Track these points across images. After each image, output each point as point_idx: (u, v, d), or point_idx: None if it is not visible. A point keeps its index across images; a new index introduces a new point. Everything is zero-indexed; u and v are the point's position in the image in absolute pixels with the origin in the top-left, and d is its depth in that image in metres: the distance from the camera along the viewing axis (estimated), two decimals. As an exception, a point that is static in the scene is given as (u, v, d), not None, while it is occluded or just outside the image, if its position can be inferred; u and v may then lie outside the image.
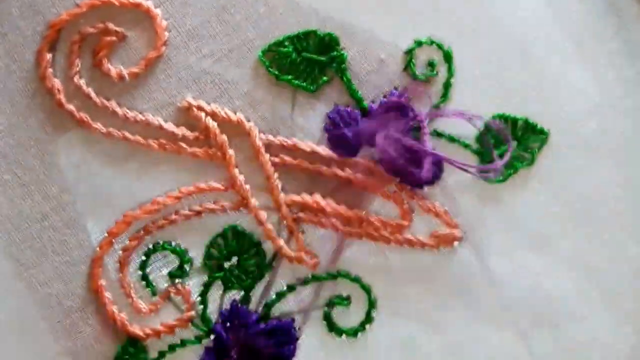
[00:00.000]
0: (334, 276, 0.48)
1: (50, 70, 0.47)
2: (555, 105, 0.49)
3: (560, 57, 0.49)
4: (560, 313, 0.50)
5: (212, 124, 0.47)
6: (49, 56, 0.46)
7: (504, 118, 0.48)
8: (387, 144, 0.46)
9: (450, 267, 0.49)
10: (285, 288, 0.48)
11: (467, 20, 0.48)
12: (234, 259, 0.47)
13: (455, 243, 0.48)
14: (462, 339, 0.49)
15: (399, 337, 0.49)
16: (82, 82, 0.47)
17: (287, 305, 0.48)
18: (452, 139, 0.48)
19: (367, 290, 0.48)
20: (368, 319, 0.48)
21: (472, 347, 0.49)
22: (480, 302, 0.49)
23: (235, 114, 0.47)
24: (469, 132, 0.48)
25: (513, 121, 0.48)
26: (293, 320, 0.47)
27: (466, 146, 0.48)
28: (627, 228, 0.50)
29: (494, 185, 0.48)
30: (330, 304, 0.48)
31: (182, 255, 0.47)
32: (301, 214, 0.47)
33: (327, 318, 0.48)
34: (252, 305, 0.48)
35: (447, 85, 0.48)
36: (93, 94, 0.47)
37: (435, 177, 0.47)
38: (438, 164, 0.47)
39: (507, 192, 0.49)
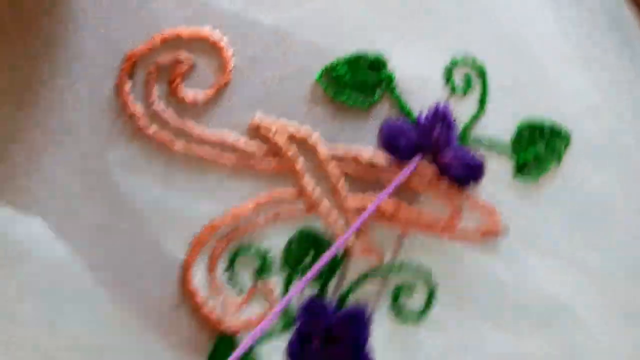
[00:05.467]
0: (397, 267, 0.51)
1: (131, 97, 0.50)
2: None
3: (565, 63, 0.52)
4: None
5: (281, 138, 0.51)
6: (128, 85, 0.50)
7: (531, 124, 0.52)
8: (452, 156, 0.50)
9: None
10: (355, 280, 0.51)
11: (489, 38, 0.52)
12: (310, 257, 0.51)
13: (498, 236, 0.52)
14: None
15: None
16: (161, 106, 0.50)
17: (359, 296, 0.51)
18: (490, 145, 0.52)
19: (427, 277, 0.51)
20: (429, 304, 0.52)
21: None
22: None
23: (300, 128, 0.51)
24: (506, 136, 0.52)
25: (540, 126, 0.52)
26: (366, 308, 0.50)
27: (502, 151, 0.52)
28: (629, 230, 0.51)
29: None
30: (396, 292, 0.51)
31: (263, 256, 0.51)
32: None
33: (394, 305, 0.51)
34: (328, 297, 0.51)
35: (482, 100, 0.52)
36: (172, 117, 0.50)
37: (480, 177, 0.52)
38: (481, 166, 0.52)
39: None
